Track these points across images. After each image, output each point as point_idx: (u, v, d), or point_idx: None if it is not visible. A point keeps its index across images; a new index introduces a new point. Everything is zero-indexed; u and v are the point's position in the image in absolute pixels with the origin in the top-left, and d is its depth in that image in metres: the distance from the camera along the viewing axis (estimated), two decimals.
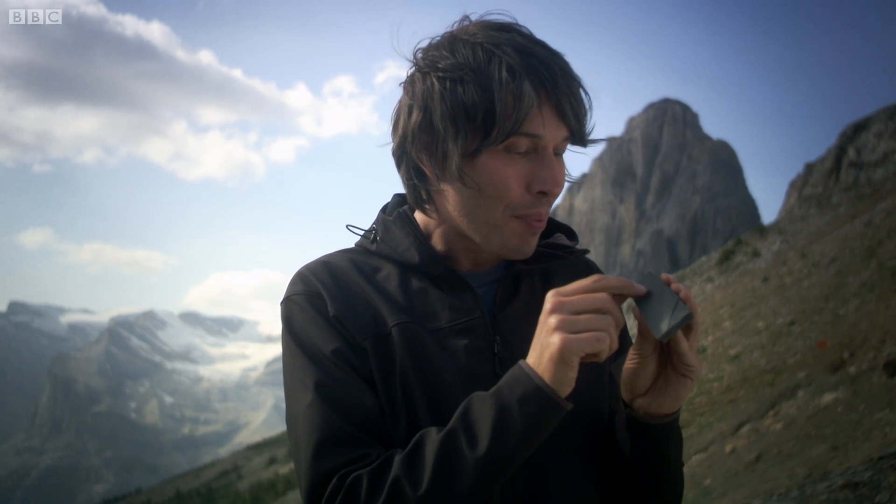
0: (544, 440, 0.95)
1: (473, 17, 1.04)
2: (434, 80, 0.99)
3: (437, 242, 1.13)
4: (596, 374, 1.12)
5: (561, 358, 0.87)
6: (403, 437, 0.98)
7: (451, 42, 1.01)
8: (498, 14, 1.04)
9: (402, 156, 1.08)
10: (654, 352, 1.01)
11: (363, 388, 1.00)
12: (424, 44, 1.04)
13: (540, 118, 0.97)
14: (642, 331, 1.01)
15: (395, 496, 0.89)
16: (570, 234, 1.21)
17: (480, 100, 0.96)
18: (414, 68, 1.04)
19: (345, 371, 1.00)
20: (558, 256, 1.16)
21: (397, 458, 0.92)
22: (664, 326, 0.94)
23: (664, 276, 0.99)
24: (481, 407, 0.91)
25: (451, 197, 1.05)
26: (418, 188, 1.08)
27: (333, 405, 0.97)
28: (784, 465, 8.76)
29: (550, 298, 0.90)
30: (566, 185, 1.09)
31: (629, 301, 1.00)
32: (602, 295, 0.89)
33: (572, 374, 0.88)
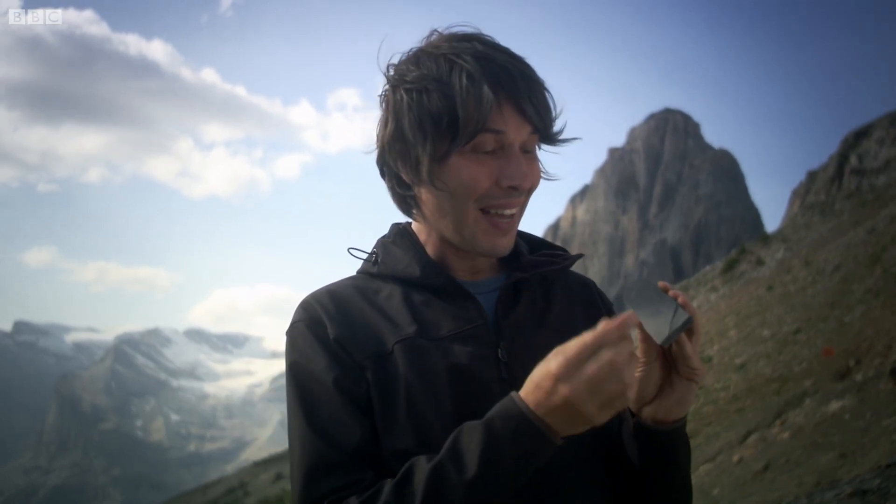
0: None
1: (442, 31, 1.11)
2: (402, 92, 1.06)
3: (432, 253, 1.17)
4: None
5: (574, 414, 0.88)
6: (414, 449, 0.99)
7: (416, 56, 1.09)
8: (462, 26, 1.10)
9: (384, 166, 1.15)
10: (657, 359, 1.04)
11: (356, 415, 1.02)
12: (396, 59, 1.11)
13: (501, 116, 1.03)
14: (644, 338, 1.02)
15: None
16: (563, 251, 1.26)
17: (444, 106, 1.02)
18: (387, 83, 1.11)
19: (337, 399, 1.03)
20: (553, 263, 1.20)
21: (387, 486, 0.94)
22: (666, 331, 0.96)
23: (661, 283, 1.01)
24: (471, 437, 0.92)
25: (428, 200, 1.11)
26: (402, 196, 1.15)
27: (324, 434, 1.01)
28: (792, 474, 8.74)
29: (555, 361, 0.89)
30: (542, 181, 1.15)
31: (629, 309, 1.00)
32: (610, 357, 0.86)
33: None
